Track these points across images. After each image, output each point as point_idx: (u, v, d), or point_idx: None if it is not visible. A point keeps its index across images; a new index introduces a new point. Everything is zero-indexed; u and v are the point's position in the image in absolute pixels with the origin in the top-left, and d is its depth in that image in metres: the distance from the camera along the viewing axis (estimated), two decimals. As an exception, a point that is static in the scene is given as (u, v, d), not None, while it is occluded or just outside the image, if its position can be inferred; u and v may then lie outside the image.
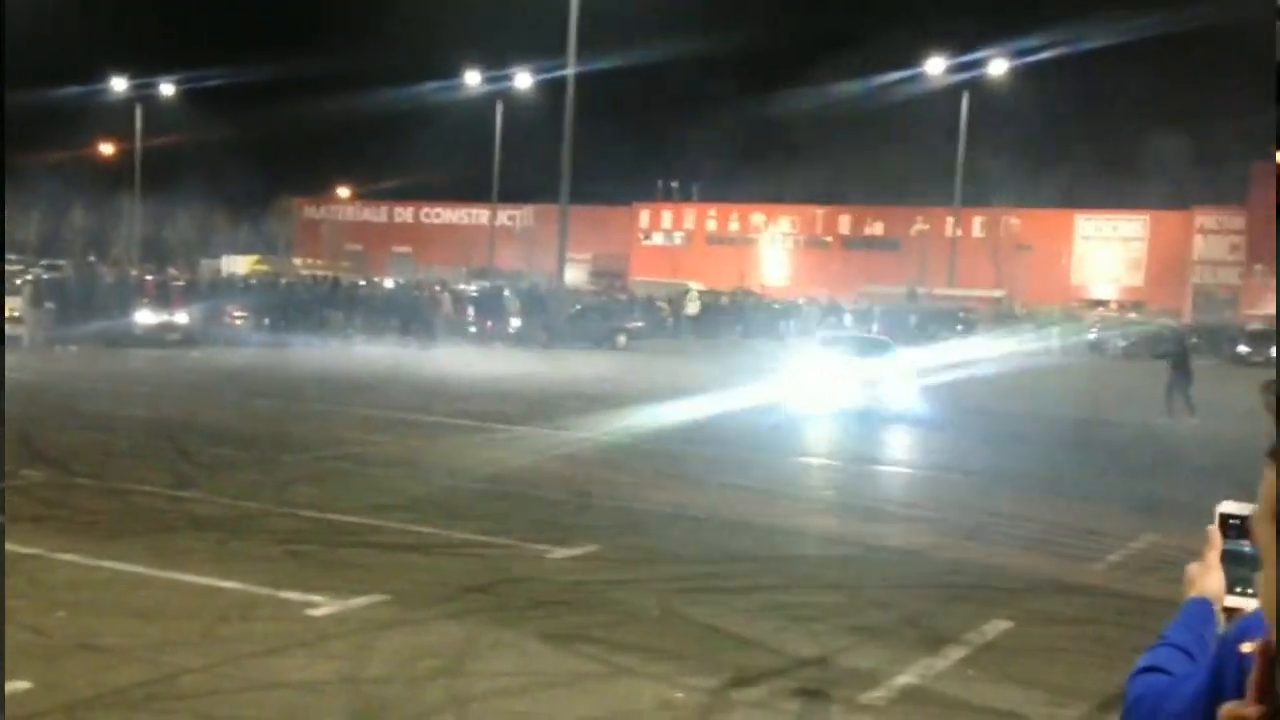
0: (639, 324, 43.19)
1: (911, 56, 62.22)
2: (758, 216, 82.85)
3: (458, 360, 29.94)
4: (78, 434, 14.42)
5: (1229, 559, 1.67)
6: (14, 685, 5.67)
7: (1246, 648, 1.20)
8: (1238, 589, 1.65)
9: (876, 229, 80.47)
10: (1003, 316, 55.65)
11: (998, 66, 59.53)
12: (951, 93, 60.79)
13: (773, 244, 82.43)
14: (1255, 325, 56.22)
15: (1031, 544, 10.89)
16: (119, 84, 68.12)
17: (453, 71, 65.52)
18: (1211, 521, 1.70)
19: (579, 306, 44.02)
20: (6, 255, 47.65)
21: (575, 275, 63.17)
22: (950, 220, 65.66)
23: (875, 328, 42.43)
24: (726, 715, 6.13)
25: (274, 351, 29.83)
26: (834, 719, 6.21)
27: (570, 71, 42.70)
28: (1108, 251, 75.72)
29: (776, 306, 55.98)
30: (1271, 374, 1.04)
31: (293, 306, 37.01)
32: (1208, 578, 1.68)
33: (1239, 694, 1.01)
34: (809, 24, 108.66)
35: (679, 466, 14.49)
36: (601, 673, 6.63)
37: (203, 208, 74.79)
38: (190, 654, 6.46)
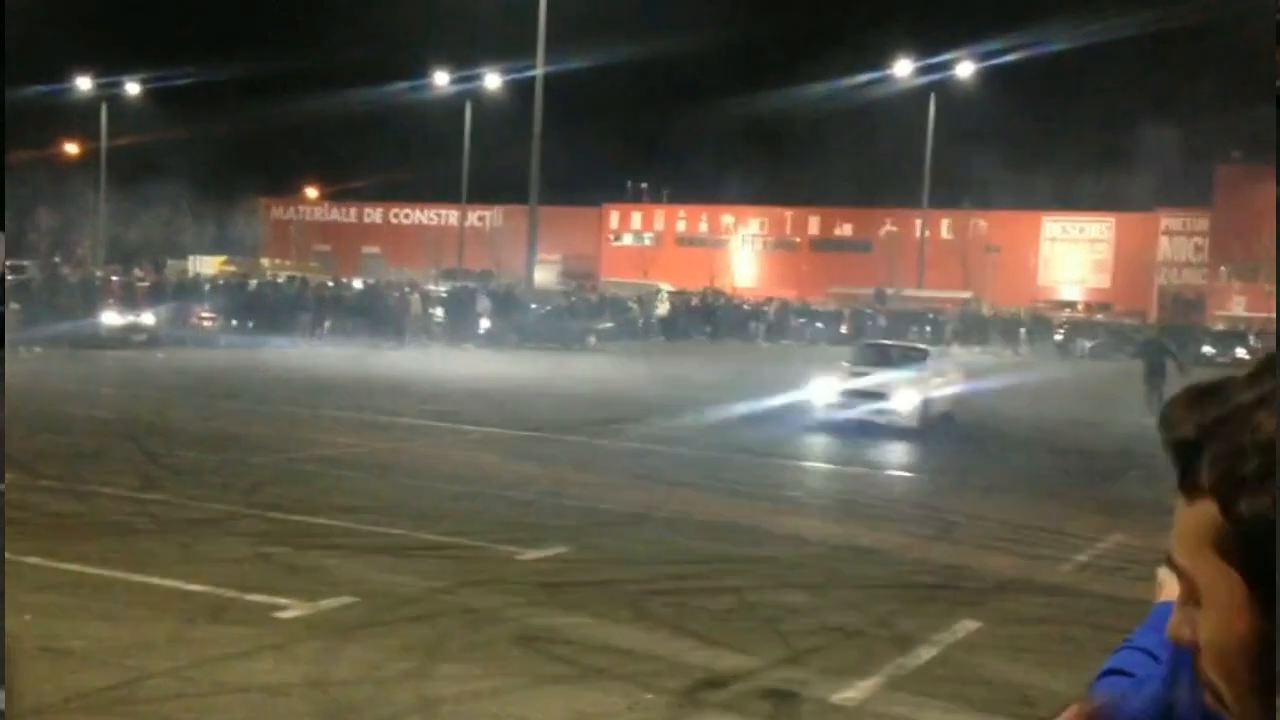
0: (609, 325, 43.19)
1: (880, 58, 62.59)
2: (727, 218, 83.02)
3: (427, 361, 29.84)
4: (43, 436, 14.25)
5: None
6: (-23, 690, 5.60)
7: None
8: None
9: (845, 230, 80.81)
10: (970, 318, 55.98)
11: (965, 69, 59.93)
12: (920, 95, 61.16)
13: (742, 245, 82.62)
14: (1220, 326, 56.83)
15: (1000, 544, 10.96)
16: (84, 83, 67.50)
17: (422, 71, 65.37)
18: None
19: (549, 307, 43.99)
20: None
21: (545, 276, 63.07)
22: (919, 222, 66.03)
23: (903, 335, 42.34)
24: (697, 716, 6.14)
25: (242, 353, 29.63)
26: (805, 719, 6.22)
27: (539, 72, 42.66)
28: (1074, 253, 76.34)
29: (746, 307, 56.11)
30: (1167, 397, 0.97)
31: (261, 307, 36.78)
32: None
33: (1193, 702, 0.99)
34: (778, 26, 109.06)
35: (648, 467, 14.49)
36: (572, 674, 6.63)
37: (169, 208, 74.22)
38: (157, 657, 6.40)
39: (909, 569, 9.72)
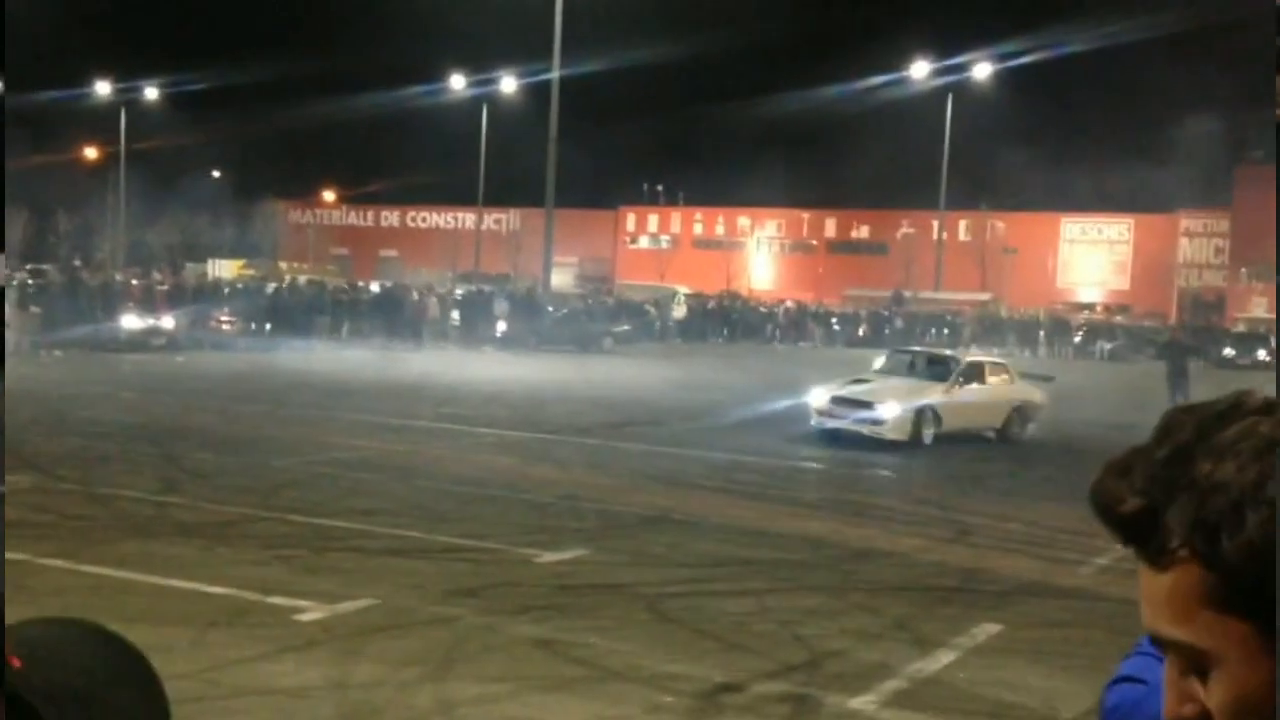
0: (626, 328, 43.18)
1: (897, 60, 62.48)
2: (744, 220, 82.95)
3: (444, 364, 29.90)
4: (64, 439, 14.35)
5: None
6: None
7: None
8: None
9: (862, 232, 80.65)
10: (988, 320, 55.78)
11: (983, 69, 59.78)
12: (937, 96, 61.03)
13: (759, 248, 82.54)
14: (1240, 328, 56.51)
15: (1018, 546, 10.93)
16: (104, 88, 67.91)
17: (438, 75, 65.54)
18: None
19: (565, 310, 44.01)
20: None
21: (561, 279, 63.18)
22: (936, 224, 65.87)
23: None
24: (716, 719, 6.13)
25: (261, 356, 29.73)
26: (823, 722, 6.22)
27: (555, 75, 42.72)
28: (1093, 255, 76.02)
29: (763, 310, 56.07)
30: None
31: (280, 311, 36.91)
32: None
33: None
34: (795, 28, 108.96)
35: (665, 470, 14.49)
36: (590, 677, 6.63)
37: (188, 212, 74.57)
38: (179, 660, 6.43)
39: (927, 572, 9.69)
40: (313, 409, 18.86)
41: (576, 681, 6.54)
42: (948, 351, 23.56)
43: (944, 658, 7.31)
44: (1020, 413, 19.07)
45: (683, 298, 56.33)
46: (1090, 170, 68.72)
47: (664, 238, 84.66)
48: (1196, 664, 0.86)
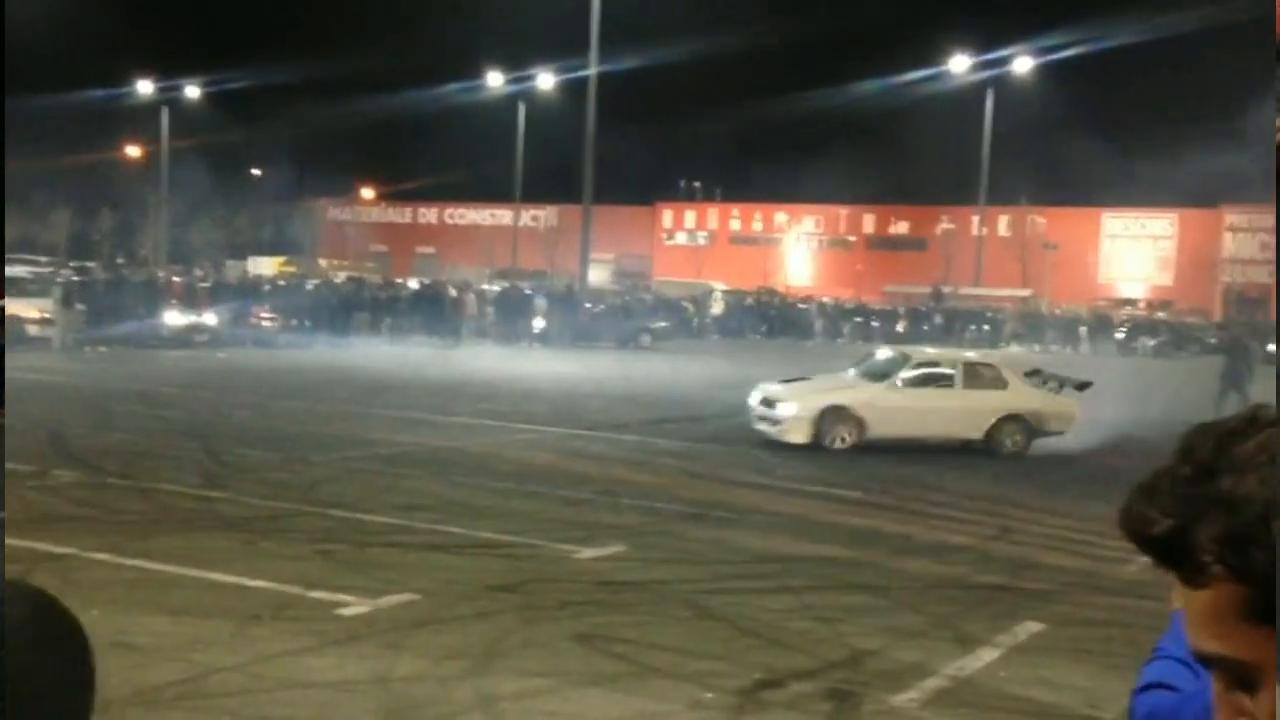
0: (663, 324, 43.16)
1: (936, 54, 62.05)
2: (781, 216, 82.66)
3: (482, 360, 29.99)
4: (108, 434, 14.51)
5: None
6: (49, 684, 5.69)
7: None
8: None
9: (901, 228, 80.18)
10: (1029, 316, 55.29)
11: (1023, 64, 59.26)
12: (977, 90, 60.58)
13: (796, 244, 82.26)
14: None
15: (1062, 544, 10.83)
16: (145, 87, 68.60)
17: (475, 72, 65.74)
18: None
19: (603, 307, 44.05)
20: (37, 258, 48.09)
21: (598, 275, 63.21)
22: (975, 219, 65.38)
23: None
24: (757, 716, 6.11)
25: (301, 352, 29.95)
26: (865, 720, 6.18)
27: (592, 71, 42.75)
28: (1135, 250, 75.22)
29: (801, 307, 55.90)
30: None
31: (319, 308, 37.15)
32: None
33: None
34: (833, 21, 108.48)
35: (702, 465, 14.47)
36: (631, 673, 6.63)
37: (229, 209, 75.24)
38: (223, 653, 6.48)
39: (970, 569, 9.62)
40: (352, 405, 18.97)
41: (617, 677, 6.54)
42: (931, 351, 19.89)
43: (986, 656, 7.25)
44: (1016, 423, 16.59)
45: (720, 294, 56.24)
46: (1133, 164, 68.00)
47: (701, 234, 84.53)
48: (1243, 678, 0.86)
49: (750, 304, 55.02)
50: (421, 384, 23.05)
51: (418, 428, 16.59)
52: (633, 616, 7.72)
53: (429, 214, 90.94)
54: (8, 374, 21.52)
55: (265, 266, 62.96)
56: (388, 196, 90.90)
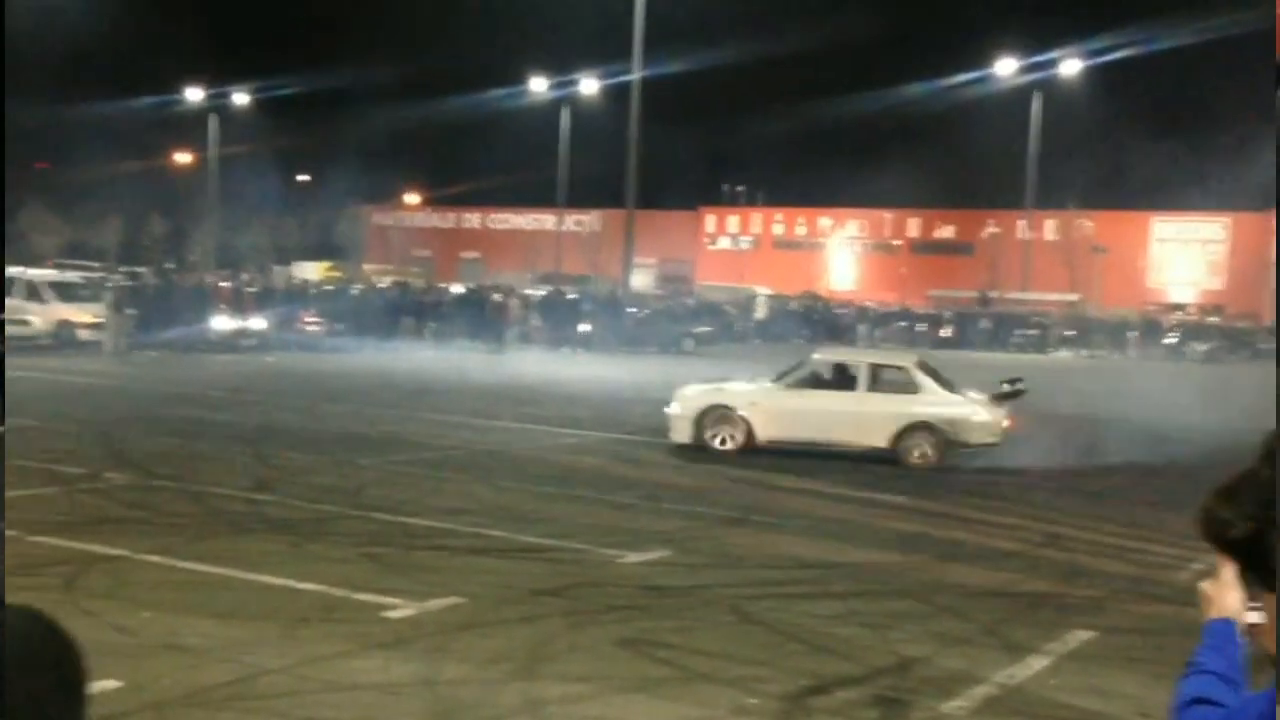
0: (706, 329, 43.13)
1: (982, 56, 61.62)
2: (825, 220, 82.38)
3: (526, 365, 30.08)
4: (159, 438, 14.68)
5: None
6: (103, 684, 5.76)
7: None
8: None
9: (946, 232, 79.65)
10: (1077, 320, 54.74)
11: (1071, 66, 58.72)
12: (1023, 93, 60.09)
13: (840, 248, 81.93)
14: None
15: (1112, 551, 10.71)
16: (195, 94, 69.47)
17: (519, 77, 65.99)
18: None
19: (646, 311, 44.07)
20: (90, 263, 48.75)
21: (642, 280, 63.27)
22: (1022, 223, 64.84)
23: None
24: (803, 722, 6.08)
25: (346, 357, 30.18)
26: (912, 728, 6.14)
27: (636, 76, 42.80)
28: (1186, 254, 74.29)
29: (839, 311, 55.70)
30: None
31: (364, 312, 37.43)
32: (1225, 595, 1.62)
33: None
34: (877, 26, 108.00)
35: (746, 471, 14.43)
36: (676, 678, 6.62)
37: (275, 215, 75.98)
38: (271, 654, 6.54)
39: (1018, 576, 9.53)
40: (397, 409, 19.08)
41: (662, 682, 6.53)
42: (869, 356, 17.57)
43: (1035, 664, 7.18)
44: (926, 432, 15.21)
45: (763, 299, 56.12)
46: (1183, 167, 67.14)
47: (744, 239, 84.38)
48: None
49: (793, 308, 54.87)
50: (466, 388, 23.15)
51: (462, 432, 16.66)
52: (677, 621, 7.71)
53: (473, 219, 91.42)
54: (61, 376, 21.84)
55: (311, 271, 63.51)
56: (432, 202, 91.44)
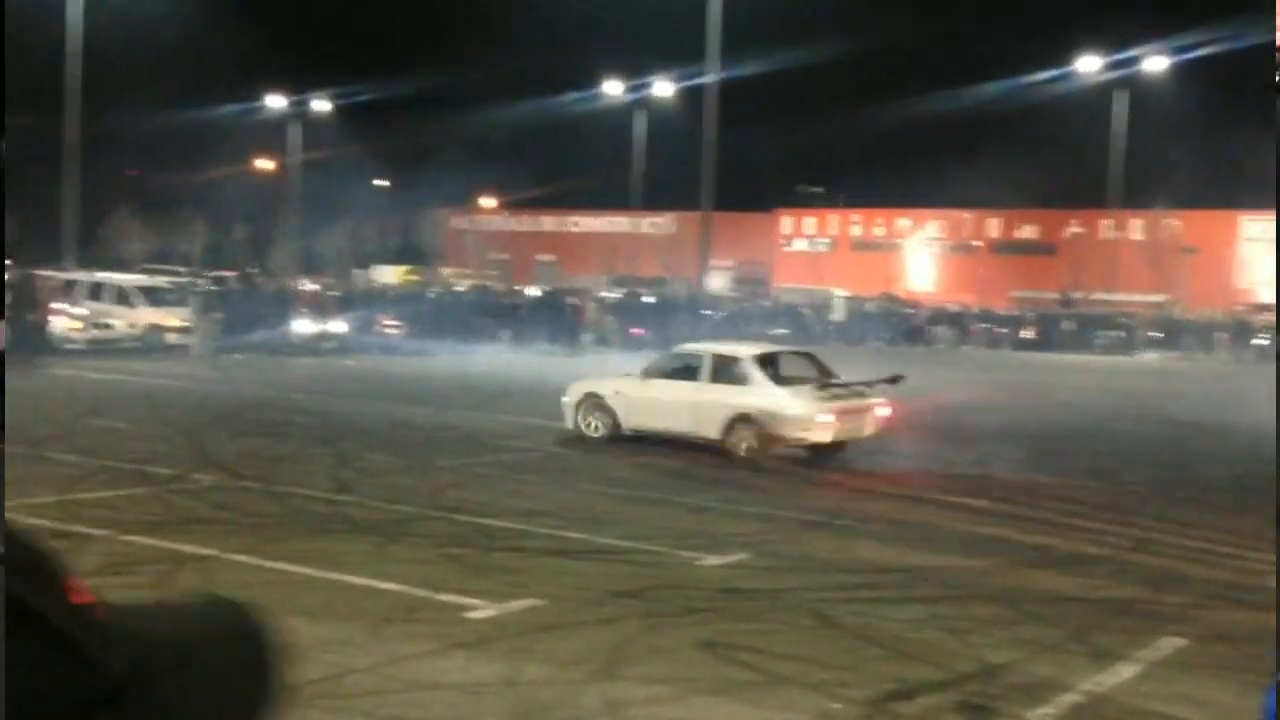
0: (783, 331, 42.95)
1: (1064, 53, 60.66)
2: (903, 221, 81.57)
3: (602, 366, 30.13)
4: (243, 439, 14.95)
5: None
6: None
7: None
8: None
9: (1028, 232, 78.46)
10: (1164, 322, 53.61)
11: (1156, 62, 57.55)
12: (1107, 90, 59.01)
13: (919, 249, 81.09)
14: None
15: (1202, 556, 10.46)
16: (276, 101, 70.73)
17: (594, 80, 66.27)
18: None
19: (723, 313, 44.00)
20: (176, 268, 49.79)
21: (717, 282, 63.16)
22: (1106, 223, 63.67)
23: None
24: (886, 728, 6.02)
25: (424, 360, 30.50)
26: (998, 735, 6.04)
27: (712, 78, 42.76)
28: (1276, 254, 72.37)
29: (908, 312, 55.12)
30: None
31: (442, 315, 37.81)
32: None
33: None
34: (956, 21, 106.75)
35: (824, 473, 14.33)
36: (756, 682, 6.58)
37: (355, 220, 77.06)
38: (356, 654, 6.62)
39: (1106, 582, 9.35)
40: (475, 411, 19.24)
41: (743, 685, 6.50)
42: (715, 348, 16.50)
43: (1124, 671, 7.03)
44: (748, 425, 14.97)
45: (840, 300, 55.75)
46: (1272, 165, 65.43)
47: (821, 240, 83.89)
48: None
49: (871, 310, 54.42)
50: (543, 390, 23.21)
51: (538, 434, 16.74)
52: (757, 625, 7.67)
53: (548, 222, 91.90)
54: (150, 379, 22.35)
55: (389, 275, 64.30)
56: (509, 205, 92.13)
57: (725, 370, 15.51)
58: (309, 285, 43.11)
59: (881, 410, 15.66)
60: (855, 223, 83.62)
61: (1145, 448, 18.10)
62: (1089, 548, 10.64)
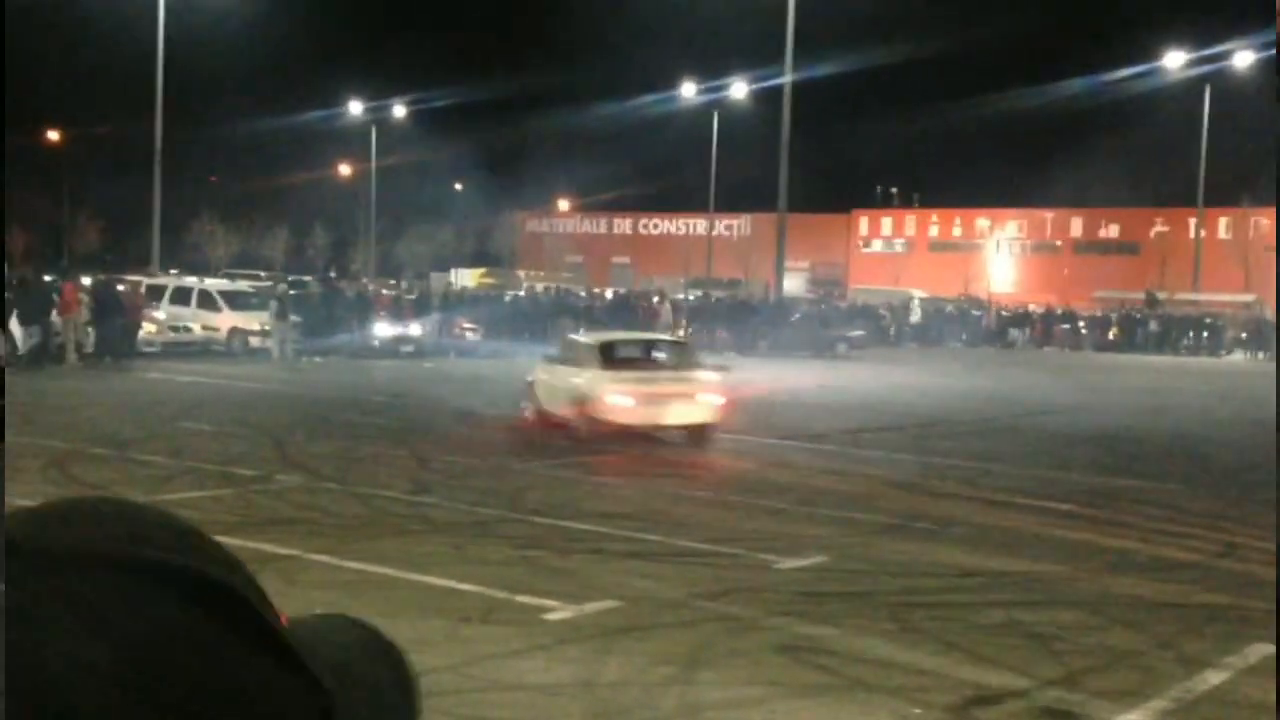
0: (859, 332, 42.61)
1: (1148, 49, 59.48)
2: (982, 221, 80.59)
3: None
4: (325, 441, 15.18)
5: None
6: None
7: None
8: None
9: (1111, 232, 77.08)
10: (1253, 322, 52.33)
11: (1243, 57, 56.23)
12: (1192, 86, 57.78)
13: (998, 249, 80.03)
14: None
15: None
16: (355, 108, 71.76)
17: (669, 83, 66.32)
18: None
19: (799, 315, 43.78)
20: (258, 272, 50.72)
21: (793, 284, 62.86)
22: (1193, 221, 62.34)
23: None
24: (968, 734, 5.94)
25: (501, 362, 30.70)
26: (1083, 743, 5.94)
27: (787, 79, 42.57)
28: (1369, 251, 70.33)
29: (1004, 313, 54.35)
30: None
31: (518, 318, 38.07)
32: None
33: None
34: (1036, 19, 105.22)
35: (903, 476, 14.19)
36: (835, 685, 6.53)
37: (432, 223, 77.92)
38: (435, 654, 6.68)
39: (1192, 587, 9.14)
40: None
41: (823, 689, 6.46)
42: (584, 337, 18.65)
43: (1213, 678, 6.88)
44: (579, 406, 16.16)
45: (918, 301, 55.20)
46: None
47: (898, 241, 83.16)
48: None
49: (950, 311, 53.82)
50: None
51: (615, 437, 16.75)
52: (836, 628, 7.62)
53: (624, 224, 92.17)
54: (233, 382, 22.79)
55: (466, 278, 64.88)
56: (583, 208, 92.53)
57: (577, 356, 16.75)
58: (387, 289, 43.66)
59: (707, 397, 16.02)
60: (933, 223, 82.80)
61: (1231, 451, 17.68)
62: (1175, 552, 10.42)
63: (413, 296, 39.17)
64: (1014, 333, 51.05)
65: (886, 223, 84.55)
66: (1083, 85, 69.14)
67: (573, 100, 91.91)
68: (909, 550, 10.13)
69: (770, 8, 43.49)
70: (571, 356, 16.87)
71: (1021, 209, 78.00)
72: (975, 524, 11.39)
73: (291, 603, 6.15)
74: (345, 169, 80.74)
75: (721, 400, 16.12)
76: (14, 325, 24.64)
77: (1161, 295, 59.39)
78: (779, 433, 17.73)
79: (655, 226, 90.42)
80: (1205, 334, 49.58)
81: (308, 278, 46.15)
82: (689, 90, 63.42)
